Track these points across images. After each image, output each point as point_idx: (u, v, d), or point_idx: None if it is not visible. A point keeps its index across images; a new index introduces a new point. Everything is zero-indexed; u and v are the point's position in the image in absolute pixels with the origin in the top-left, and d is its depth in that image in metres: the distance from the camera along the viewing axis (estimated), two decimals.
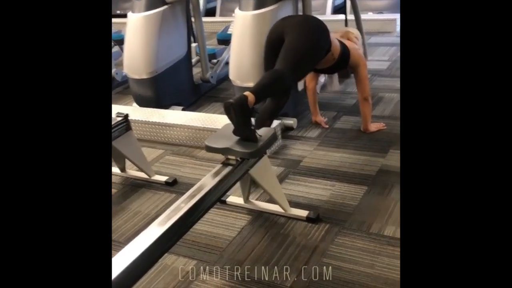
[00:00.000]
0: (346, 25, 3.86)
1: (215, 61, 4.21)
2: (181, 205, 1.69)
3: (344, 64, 2.66)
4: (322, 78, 3.32)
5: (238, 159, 1.89)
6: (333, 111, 3.21)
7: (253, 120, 2.00)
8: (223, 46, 4.16)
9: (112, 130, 2.42)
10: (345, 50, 2.61)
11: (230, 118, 1.89)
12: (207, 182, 1.78)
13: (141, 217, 2.30)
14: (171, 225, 1.59)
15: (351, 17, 3.86)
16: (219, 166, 1.89)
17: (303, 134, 2.94)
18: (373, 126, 2.85)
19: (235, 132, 1.90)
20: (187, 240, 2.04)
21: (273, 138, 1.99)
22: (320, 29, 2.40)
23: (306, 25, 2.39)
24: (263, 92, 2.06)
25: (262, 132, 1.96)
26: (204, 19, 5.81)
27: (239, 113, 1.85)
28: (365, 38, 3.82)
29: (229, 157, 1.91)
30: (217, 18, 6.03)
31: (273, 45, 2.42)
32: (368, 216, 2.08)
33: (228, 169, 1.85)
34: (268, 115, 2.19)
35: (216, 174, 1.83)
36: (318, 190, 2.33)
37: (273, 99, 2.23)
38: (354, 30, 2.94)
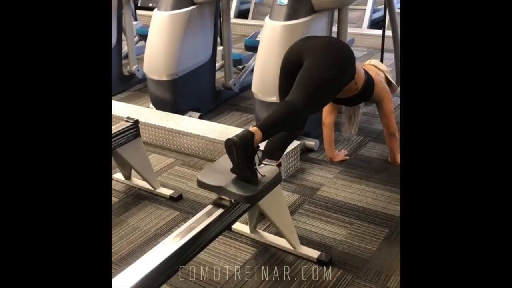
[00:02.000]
0: (383, 41, 3.62)
1: (240, 67, 4.03)
2: (176, 239, 1.49)
3: (367, 96, 2.38)
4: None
5: (233, 201, 1.64)
6: (359, 136, 2.98)
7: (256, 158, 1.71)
8: (250, 53, 3.97)
9: (120, 136, 2.25)
10: (369, 79, 2.34)
11: (231, 158, 1.63)
12: (197, 223, 1.55)
13: (138, 234, 2.13)
14: (160, 263, 1.40)
15: (388, 33, 3.61)
16: (209, 206, 1.64)
17: (324, 158, 2.72)
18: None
19: (233, 170, 1.65)
20: (183, 269, 1.85)
21: (276, 180, 1.71)
22: (345, 54, 2.08)
23: (329, 49, 2.07)
24: (272, 128, 1.77)
25: (265, 171, 1.69)
26: (236, 20, 5.69)
27: (242, 153, 1.59)
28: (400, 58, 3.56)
29: (223, 196, 1.66)
30: (249, 21, 5.84)
31: (290, 69, 2.10)
32: (387, 265, 1.85)
33: (219, 211, 1.60)
34: (278, 146, 1.93)
35: (207, 215, 1.59)
36: (334, 227, 2.11)
37: None
38: (380, 64, 2.64)
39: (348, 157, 2.72)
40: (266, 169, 1.72)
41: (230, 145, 1.60)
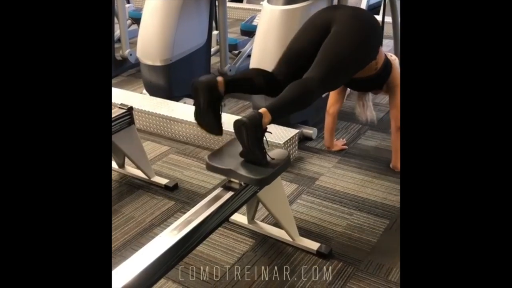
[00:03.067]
0: (382, 26, 3.55)
1: (236, 52, 3.95)
2: (174, 232, 1.44)
3: (383, 79, 2.27)
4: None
5: (242, 183, 1.62)
6: (357, 124, 2.93)
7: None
8: (246, 38, 3.88)
9: (113, 123, 2.18)
10: (388, 62, 2.24)
11: (240, 139, 1.59)
12: (204, 208, 1.52)
13: (133, 224, 2.07)
14: (157, 257, 1.35)
15: (388, 19, 3.54)
16: (219, 189, 1.62)
17: (322, 147, 2.67)
18: None
19: (242, 154, 1.63)
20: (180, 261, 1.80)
21: (286, 163, 1.69)
22: (376, 32, 1.96)
23: (361, 23, 1.89)
24: (282, 110, 1.69)
25: (275, 154, 1.68)
26: (230, 4, 5.56)
27: (252, 134, 1.55)
28: (400, 45, 3.50)
29: (232, 179, 1.64)
30: (244, 5, 5.73)
31: (320, 29, 1.92)
32: (388, 258, 1.82)
33: (229, 194, 1.58)
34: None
35: (216, 199, 1.56)
36: (333, 218, 2.07)
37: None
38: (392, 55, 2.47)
39: (346, 147, 2.67)
40: (275, 152, 1.70)
41: (239, 126, 1.55)
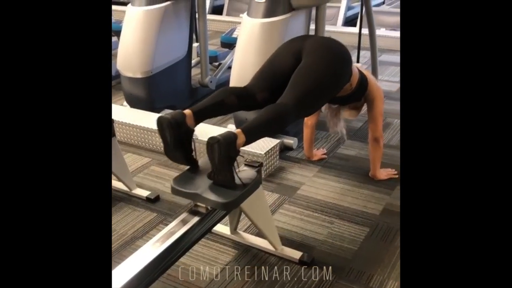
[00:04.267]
0: (359, 39, 3.63)
1: (216, 64, 3.98)
2: (157, 244, 1.45)
3: (360, 95, 2.30)
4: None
5: (209, 208, 1.59)
6: (337, 134, 2.97)
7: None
8: (226, 50, 3.92)
9: None
10: (363, 78, 2.27)
11: (211, 157, 1.51)
12: (174, 230, 1.52)
13: (115, 237, 2.06)
14: (141, 269, 1.36)
15: (364, 31, 3.62)
16: (184, 214, 1.60)
17: (303, 157, 2.71)
18: (383, 174, 2.46)
19: (211, 176, 1.55)
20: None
21: (254, 185, 1.65)
22: (345, 59, 1.98)
23: (329, 51, 1.93)
24: (256, 133, 1.64)
25: (243, 176, 1.62)
26: (210, 16, 5.61)
27: (225, 153, 1.48)
28: (377, 56, 3.58)
29: (199, 203, 1.61)
30: (223, 17, 5.78)
31: (292, 56, 1.94)
32: (369, 265, 1.85)
33: (195, 219, 1.55)
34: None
35: (182, 223, 1.55)
36: (315, 227, 2.09)
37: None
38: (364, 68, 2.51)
39: (326, 156, 2.71)
40: (244, 174, 1.65)
41: (213, 144, 1.50)
